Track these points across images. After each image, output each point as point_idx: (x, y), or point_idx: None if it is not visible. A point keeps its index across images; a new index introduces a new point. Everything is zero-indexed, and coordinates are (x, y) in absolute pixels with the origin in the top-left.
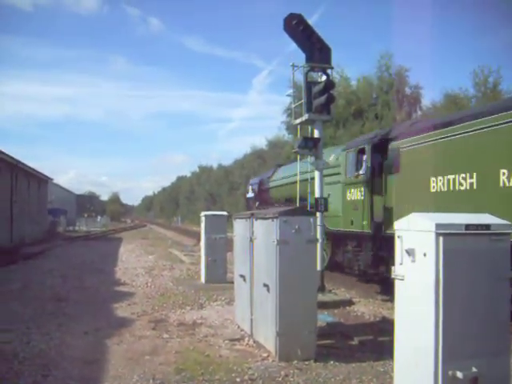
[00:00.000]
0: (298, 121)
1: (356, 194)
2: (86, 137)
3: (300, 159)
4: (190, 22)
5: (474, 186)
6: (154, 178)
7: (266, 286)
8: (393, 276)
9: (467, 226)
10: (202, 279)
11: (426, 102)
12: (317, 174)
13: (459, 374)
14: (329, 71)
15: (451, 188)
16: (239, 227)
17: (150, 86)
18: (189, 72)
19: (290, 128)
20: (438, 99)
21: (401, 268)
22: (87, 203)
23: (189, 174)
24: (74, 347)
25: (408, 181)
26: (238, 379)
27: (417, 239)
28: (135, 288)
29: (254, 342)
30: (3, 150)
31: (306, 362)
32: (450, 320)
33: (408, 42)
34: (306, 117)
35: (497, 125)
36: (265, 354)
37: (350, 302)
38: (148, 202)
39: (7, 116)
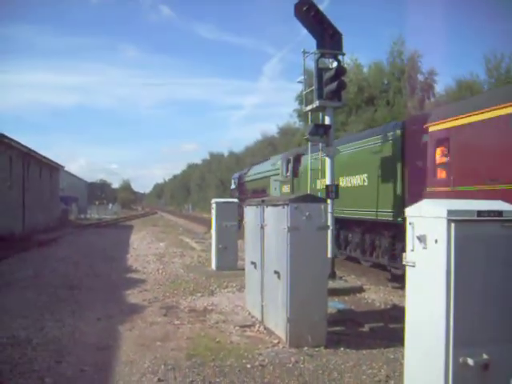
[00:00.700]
0: (308, 107)
1: (286, 189)
2: (97, 125)
3: (311, 146)
4: (201, 9)
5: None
6: (164, 165)
7: (276, 272)
8: (404, 263)
9: (479, 213)
10: (213, 266)
11: (439, 88)
12: (328, 161)
13: (470, 361)
14: (340, 57)
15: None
16: (250, 214)
17: (161, 74)
18: (199, 59)
19: (302, 115)
20: (451, 85)
21: (412, 255)
22: (98, 191)
23: (200, 162)
24: (86, 333)
25: (304, 182)
26: (248, 365)
27: (428, 226)
28: (146, 275)
29: (265, 328)
30: (15, 139)
31: (317, 349)
32: (461, 307)
33: (421, 27)
34: (316, 103)
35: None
36: (275, 341)
37: (360, 289)
38: (159, 190)
39: (20, 105)
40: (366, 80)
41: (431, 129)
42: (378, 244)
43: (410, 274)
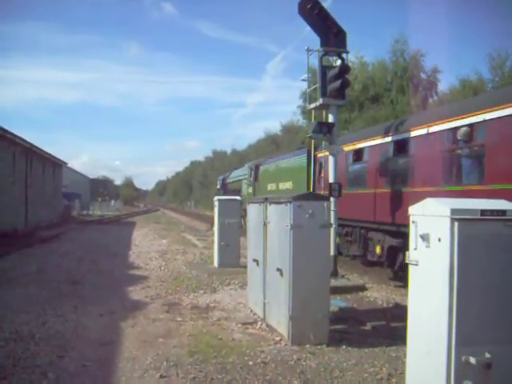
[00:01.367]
0: (312, 105)
1: (251, 190)
2: (99, 122)
3: (314, 144)
4: (203, 6)
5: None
6: (167, 162)
7: (279, 270)
8: (407, 261)
9: (482, 212)
10: (215, 263)
11: (442, 86)
12: (331, 159)
13: (472, 360)
14: (344, 55)
15: (274, 189)
16: (253, 212)
17: (164, 72)
18: (202, 57)
19: (305, 113)
20: (454, 84)
21: (415, 253)
22: (101, 187)
23: (202, 159)
24: (89, 329)
25: (262, 185)
26: (250, 362)
27: (431, 224)
28: (149, 271)
29: (267, 325)
30: (18, 135)
31: (319, 347)
32: (463, 305)
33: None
34: (320, 101)
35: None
36: (277, 338)
37: (362, 288)
38: (161, 187)
39: (23, 101)
40: (371, 78)
41: (318, 155)
42: None
43: (412, 272)
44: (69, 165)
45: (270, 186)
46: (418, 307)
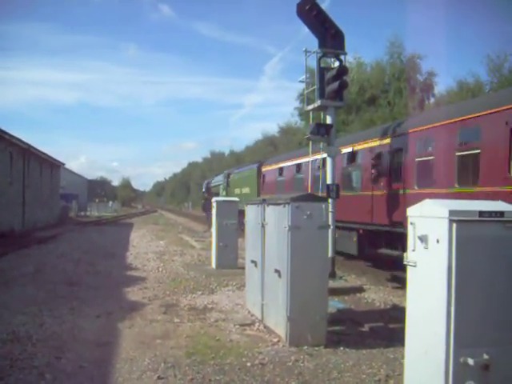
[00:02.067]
0: (310, 107)
1: (225, 193)
2: (97, 122)
3: (312, 145)
4: (201, 8)
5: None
6: (165, 163)
7: (277, 271)
8: (405, 262)
9: (481, 213)
10: (213, 265)
11: (440, 88)
12: (328, 161)
13: (470, 361)
14: (342, 57)
15: (238, 192)
16: (251, 213)
17: (162, 73)
18: (200, 58)
19: (303, 114)
20: (452, 86)
21: (413, 255)
22: (98, 188)
23: (200, 160)
24: (86, 330)
25: (232, 189)
26: (248, 364)
27: (430, 226)
28: (146, 273)
29: (265, 326)
30: (15, 135)
31: (316, 348)
32: (462, 307)
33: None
34: (318, 103)
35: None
36: (275, 339)
37: (360, 289)
38: (159, 188)
39: (21, 101)
40: (367, 80)
41: (262, 169)
42: None
43: (411, 273)
44: (66, 166)
45: (237, 190)
46: (416, 308)
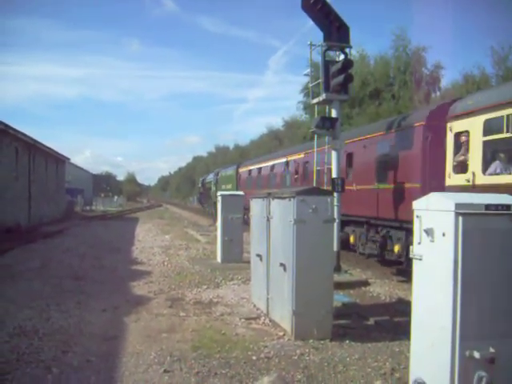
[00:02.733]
0: (315, 100)
1: (215, 189)
2: (101, 117)
3: (317, 139)
4: (205, 2)
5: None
6: (169, 158)
7: (282, 265)
8: (411, 256)
9: (487, 206)
10: (218, 259)
11: (446, 81)
12: (334, 155)
13: (476, 354)
14: (347, 50)
15: (224, 188)
16: (256, 207)
17: (165, 67)
18: (204, 53)
19: (307, 108)
20: (457, 79)
21: (419, 248)
22: (104, 183)
23: (205, 155)
24: (92, 324)
25: (220, 185)
26: (254, 357)
27: (436, 219)
28: (152, 267)
29: (270, 320)
30: (21, 130)
31: (322, 342)
32: (468, 300)
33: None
34: (323, 96)
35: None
36: (281, 333)
37: (365, 283)
38: (164, 183)
39: (25, 97)
40: (371, 73)
41: (239, 170)
42: None
43: (416, 267)
44: (71, 160)
45: (223, 186)
46: (422, 302)
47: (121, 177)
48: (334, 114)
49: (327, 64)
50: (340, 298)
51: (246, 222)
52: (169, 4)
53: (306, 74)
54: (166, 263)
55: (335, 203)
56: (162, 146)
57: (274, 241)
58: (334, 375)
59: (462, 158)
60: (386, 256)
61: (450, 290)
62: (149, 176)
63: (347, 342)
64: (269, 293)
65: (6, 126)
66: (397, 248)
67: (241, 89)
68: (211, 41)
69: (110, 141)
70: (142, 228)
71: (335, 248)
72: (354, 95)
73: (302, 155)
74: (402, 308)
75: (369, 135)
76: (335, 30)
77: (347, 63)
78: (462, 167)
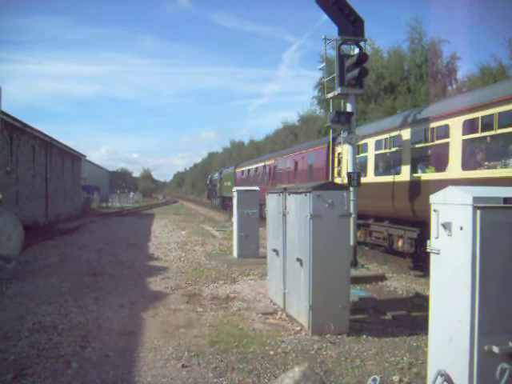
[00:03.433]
0: (330, 95)
1: (219, 185)
2: (116, 114)
3: (332, 133)
4: None
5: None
6: (185, 154)
7: (299, 260)
8: (428, 250)
9: (505, 200)
10: (235, 254)
11: (461, 74)
12: (349, 149)
13: (495, 349)
14: (362, 44)
15: (226, 185)
16: (272, 202)
17: (180, 64)
18: (218, 48)
19: (322, 103)
20: (473, 71)
21: (437, 242)
22: (120, 180)
23: (220, 150)
24: (110, 320)
25: (223, 182)
26: (271, 352)
27: (453, 213)
28: (168, 263)
29: (287, 315)
30: (38, 128)
31: (339, 336)
32: (486, 294)
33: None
34: (338, 91)
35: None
36: (297, 328)
37: (382, 278)
38: (179, 179)
39: (41, 95)
40: (385, 67)
41: (236, 170)
42: None
43: (434, 261)
44: (87, 158)
45: (225, 183)
46: (440, 296)
47: (137, 173)
48: (349, 108)
49: (342, 58)
50: (357, 292)
51: (262, 217)
52: (181, 1)
53: (320, 69)
54: (182, 259)
55: (351, 198)
56: (178, 142)
57: (290, 236)
58: (352, 370)
59: (339, 168)
60: None
61: (468, 284)
62: (164, 172)
63: (364, 336)
64: (285, 288)
65: (24, 124)
66: None
67: (256, 84)
68: (225, 36)
69: (125, 137)
70: (158, 224)
71: (351, 242)
72: (368, 90)
73: (272, 161)
74: (420, 303)
75: (304, 150)
76: (350, 24)
77: (362, 57)
78: (338, 173)
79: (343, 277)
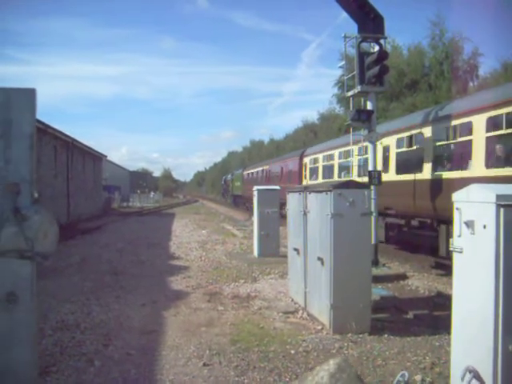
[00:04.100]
0: (350, 93)
1: (232, 184)
2: (136, 114)
3: (352, 132)
4: None
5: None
6: (205, 153)
7: (320, 259)
8: (451, 249)
9: None
10: (255, 253)
11: (483, 70)
12: (370, 147)
13: None
14: (382, 41)
15: (235, 185)
16: (292, 201)
17: (198, 63)
18: (237, 47)
19: (342, 101)
20: (495, 68)
21: (459, 240)
22: (140, 179)
23: (240, 149)
24: (132, 318)
25: (234, 182)
26: (292, 351)
27: (476, 211)
28: (189, 262)
29: (308, 314)
30: (59, 129)
31: (361, 335)
32: (510, 293)
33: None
34: (358, 88)
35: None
36: (319, 327)
37: (404, 276)
38: (199, 178)
39: (62, 96)
40: (406, 64)
41: (244, 172)
42: None
43: (457, 259)
44: (108, 158)
45: (236, 183)
46: (463, 295)
47: (157, 173)
48: (369, 106)
49: (362, 56)
50: (378, 291)
51: (283, 216)
52: (199, 1)
53: (340, 67)
54: (203, 258)
55: (372, 196)
56: (198, 141)
57: (311, 235)
58: (373, 369)
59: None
60: None
61: (492, 282)
62: (184, 172)
63: (386, 335)
64: (306, 287)
65: (46, 125)
66: None
67: (275, 83)
68: (244, 35)
69: (146, 137)
70: (178, 223)
71: (373, 241)
72: (390, 88)
73: (267, 166)
74: (442, 302)
75: (287, 159)
76: (370, 21)
77: (382, 54)
78: (304, 176)
79: (364, 276)
